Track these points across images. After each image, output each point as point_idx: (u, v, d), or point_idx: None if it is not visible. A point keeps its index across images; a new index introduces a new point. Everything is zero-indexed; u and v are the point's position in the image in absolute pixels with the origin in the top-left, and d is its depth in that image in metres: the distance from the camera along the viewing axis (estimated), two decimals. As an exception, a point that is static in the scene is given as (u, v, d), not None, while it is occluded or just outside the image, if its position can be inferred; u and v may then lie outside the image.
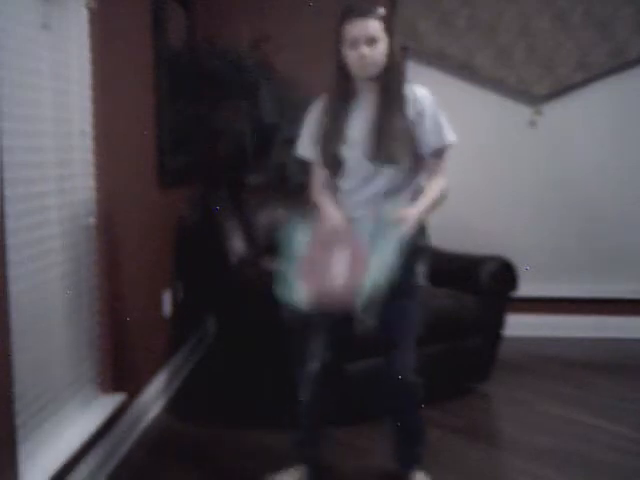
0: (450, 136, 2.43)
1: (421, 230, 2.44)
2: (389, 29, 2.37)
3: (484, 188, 4.62)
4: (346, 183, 2.45)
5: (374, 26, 2.31)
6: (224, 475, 2.80)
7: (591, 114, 4.51)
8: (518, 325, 4.20)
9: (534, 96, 4.49)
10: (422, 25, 4.41)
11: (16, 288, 2.12)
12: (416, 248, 2.39)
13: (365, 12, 2.32)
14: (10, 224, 2.08)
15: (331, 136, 2.42)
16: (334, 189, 2.50)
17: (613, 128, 4.52)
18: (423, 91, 2.46)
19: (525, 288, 3.88)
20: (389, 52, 2.36)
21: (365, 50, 2.31)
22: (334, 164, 2.43)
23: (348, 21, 2.33)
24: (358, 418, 3.19)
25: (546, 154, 4.56)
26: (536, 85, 4.46)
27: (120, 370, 2.93)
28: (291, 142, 4.23)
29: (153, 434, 3.15)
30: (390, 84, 2.39)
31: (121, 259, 2.97)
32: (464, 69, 4.48)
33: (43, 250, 2.37)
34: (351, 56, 2.35)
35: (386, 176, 2.38)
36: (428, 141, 2.40)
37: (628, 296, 4.57)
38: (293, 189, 4.11)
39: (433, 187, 2.41)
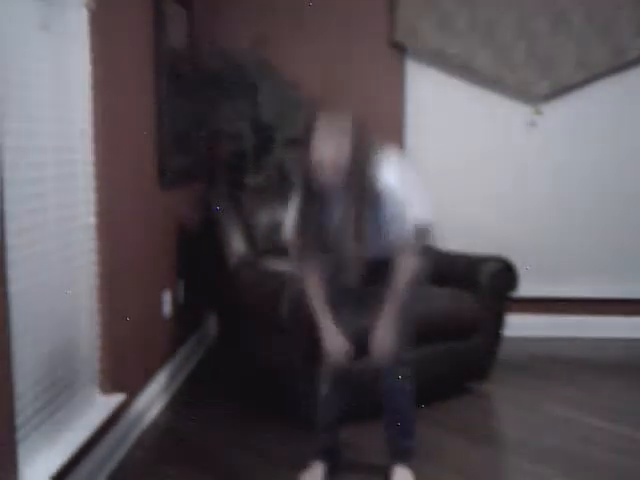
0: (408, 229, 2.47)
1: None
2: (356, 136, 2.38)
3: (484, 188, 4.62)
4: (328, 266, 2.61)
5: (337, 142, 2.35)
6: (224, 475, 2.80)
7: (591, 114, 4.51)
8: (518, 325, 4.20)
9: (534, 96, 4.49)
10: (422, 25, 4.40)
11: (16, 288, 2.12)
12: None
13: (330, 131, 2.35)
14: (10, 224, 2.08)
15: (313, 228, 2.53)
16: (320, 272, 2.62)
17: (613, 128, 4.52)
18: (391, 178, 2.46)
19: (525, 288, 3.87)
20: (354, 159, 2.38)
21: (327, 164, 2.36)
22: (317, 249, 2.57)
23: (314, 136, 2.36)
24: (356, 418, 3.19)
25: (546, 154, 4.56)
26: (536, 85, 4.46)
27: (120, 370, 2.93)
28: (291, 142, 4.28)
29: (153, 434, 3.15)
30: (354, 186, 2.42)
31: (121, 259, 2.97)
32: (464, 69, 4.48)
33: (43, 250, 2.37)
34: (317, 168, 2.38)
35: (359, 260, 2.49)
36: (390, 230, 2.48)
37: (628, 296, 4.57)
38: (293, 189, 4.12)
39: (402, 273, 2.50)
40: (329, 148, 2.35)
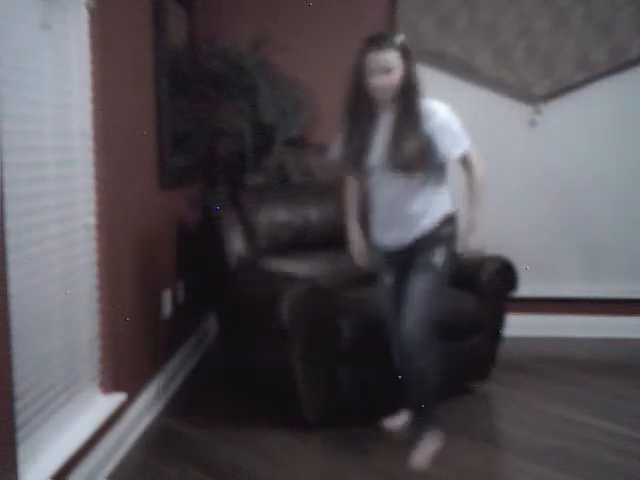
0: (460, 147, 2.74)
1: (448, 219, 2.80)
2: (407, 55, 2.65)
3: (484, 188, 4.61)
4: (372, 189, 2.86)
5: (390, 57, 2.62)
6: (224, 475, 2.80)
7: (591, 114, 4.51)
8: (518, 325, 4.19)
9: (534, 96, 4.49)
10: (422, 25, 4.40)
11: (16, 288, 2.12)
12: (440, 234, 2.77)
13: (382, 45, 2.62)
14: (10, 224, 2.08)
15: (357, 149, 2.78)
16: (359, 193, 3.00)
17: (613, 128, 4.52)
18: (437, 107, 2.73)
19: (525, 288, 3.87)
20: (405, 77, 2.66)
21: (380, 79, 2.64)
22: (360, 173, 2.88)
23: (368, 52, 2.64)
24: (357, 419, 3.19)
25: (546, 154, 4.56)
26: (536, 85, 4.46)
27: (120, 370, 2.93)
28: (291, 142, 4.28)
29: (153, 434, 3.15)
30: (405, 105, 2.68)
31: (121, 259, 2.97)
32: (464, 69, 4.48)
33: (43, 250, 2.37)
34: (370, 83, 2.66)
35: (402, 183, 2.73)
36: (442, 153, 2.71)
37: (628, 296, 4.57)
38: (293, 189, 4.12)
39: (474, 187, 2.76)
40: (384, 70, 2.61)
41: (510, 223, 4.61)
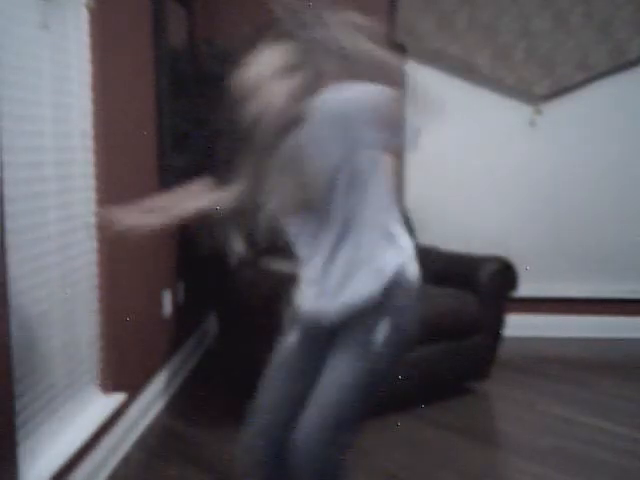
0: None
1: (397, 283, 1.82)
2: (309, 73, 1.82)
3: (484, 188, 4.62)
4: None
5: (290, 84, 1.78)
6: (224, 475, 2.80)
7: (591, 114, 4.51)
8: (518, 325, 4.20)
9: (534, 96, 4.49)
10: (422, 25, 4.41)
11: (16, 288, 2.12)
12: (383, 303, 1.81)
13: (278, 66, 1.78)
14: (10, 224, 2.08)
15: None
16: None
17: (613, 128, 4.52)
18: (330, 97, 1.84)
19: (525, 288, 3.88)
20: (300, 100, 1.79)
21: (274, 114, 1.82)
22: None
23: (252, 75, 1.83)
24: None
25: (546, 154, 4.56)
26: (536, 85, 4.46)
27: (120, 370, 2.93)
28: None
29: (153, 434, 3.15)
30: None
31: (121, 259, 2.97)
32: (464, 69, 4.48)
33: (43, 250, 2.37)
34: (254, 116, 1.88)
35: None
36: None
37: (628, 296, 4.57)
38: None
39: None
40: (277, 92, 1.71)
41: (510, 223, 4.62)
